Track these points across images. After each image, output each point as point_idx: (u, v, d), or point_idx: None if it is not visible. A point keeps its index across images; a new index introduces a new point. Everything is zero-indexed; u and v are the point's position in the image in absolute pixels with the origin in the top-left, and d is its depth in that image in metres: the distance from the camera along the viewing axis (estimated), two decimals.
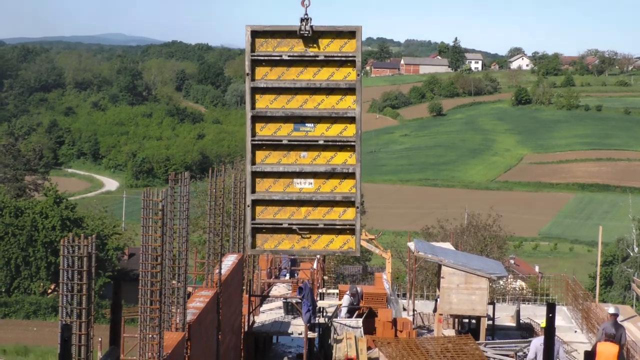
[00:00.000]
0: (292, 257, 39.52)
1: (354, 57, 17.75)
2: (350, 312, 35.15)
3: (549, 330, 7.88)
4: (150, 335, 16.22)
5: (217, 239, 24.93)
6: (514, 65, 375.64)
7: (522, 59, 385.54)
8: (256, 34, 17.65)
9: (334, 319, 32.66)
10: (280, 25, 18.22)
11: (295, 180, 18.10)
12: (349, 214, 18.25)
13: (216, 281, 24.18)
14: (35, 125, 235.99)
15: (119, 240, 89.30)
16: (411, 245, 37.26)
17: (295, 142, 17.89)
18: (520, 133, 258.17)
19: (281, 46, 17.70)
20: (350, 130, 18.04)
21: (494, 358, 30.53)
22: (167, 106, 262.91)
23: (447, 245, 41.92)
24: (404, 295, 47.37)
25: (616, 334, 27.10)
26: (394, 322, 33.39)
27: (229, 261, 27.70)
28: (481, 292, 32.80)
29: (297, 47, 17.73)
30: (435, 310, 35.94)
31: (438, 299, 34.09)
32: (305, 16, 17.50)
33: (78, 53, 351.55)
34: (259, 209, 18.05)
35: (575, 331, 37.29)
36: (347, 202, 18.11)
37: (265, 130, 17.86)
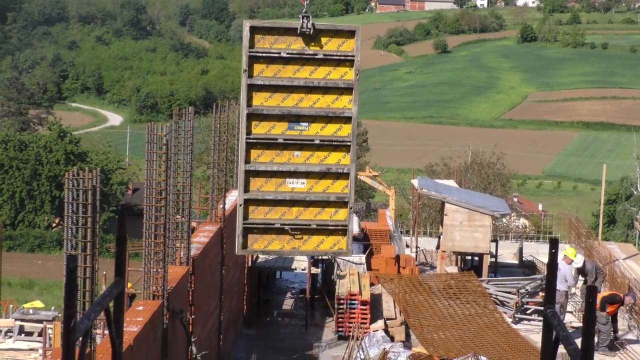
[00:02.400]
0: None
1: (354, 56, 17.57)
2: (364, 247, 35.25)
3: (551, 265, 7.90)
4: (154, 269, 16.32)
5: (221, 174, 24.97)
6: (520, 2, 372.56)
7: None
8: (255, 29, 17.47)
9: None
10: (279, 22, 18.05)
11: (287, 179, 17.95)
12: (341, 214, 18.16)
13: (220, 216, 24.27)
14: (39, 59, 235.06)
15: (123, 175, 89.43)
16: (415, 182, 37.28)
17: (291, 141, 17.75)
18: (525, 71, 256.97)
19: (278, 43, 17.50)
20: (345, 130, 17.84)
21: (497, 295, 30.70)
22: (171, 41, 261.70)
23: (451, 183, 41.94)
24: (407, 232, 47.51)
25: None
26: (397, 258, 33.53)
27: (232, 197, 27.77)
28: (484, 230, 32.87)
29: (295, 45, 17.53)
30: (438, 247, 36.06)
31: (441, 236, 34.20)
32: (306, 14, 17.30)
33: None
34: (250, 208, 17.94)
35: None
36: (339, 203, 18.02)
37: (259, 128, 17.69)
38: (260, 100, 17.63)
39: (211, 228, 23.44)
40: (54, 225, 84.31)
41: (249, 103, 17.56)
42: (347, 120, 17.78)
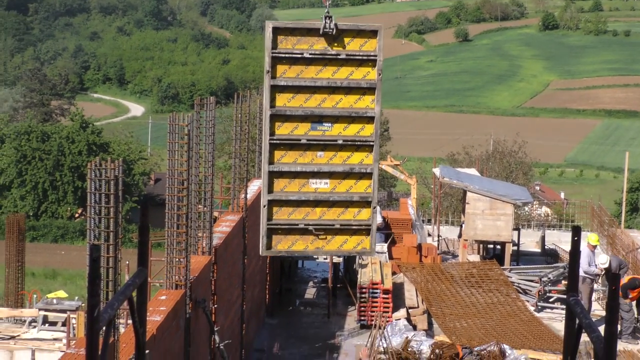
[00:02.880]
0: None
1: (376, 56, 17.54)
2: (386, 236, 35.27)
3: (574, 253, 7.88)
4: (177, 259, 16.36)
5: (242, 164, 25.01)
6: None
7: None
8: (277, 30, 17.45)
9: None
10: (301, 22, 17.98)
11: (310, 180, 17.93)
12: (364, 214, 18.16)
13: (242, 206, 24.31)
14: (60, 50, 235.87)
15: (145, 166, 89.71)
16: (436, 171, 37.26)
17: (314, 142, 17.75)
18: (547, 59, 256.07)
19: (300, 44, 17.46)
20: (367, 130, 17.81)
21: (519, 283, 30.66)
22: (192, 31, 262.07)
23: (473, 172, 41.88)
24: (429, 221, 47.48)
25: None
26: (419, 247, 33.50)
27: (254, 186, 27.81)
28: (506, 218, 32.82)
29: (317, 45, 17.49)
30: (460, 236, 36.04)
31: (463, 225, 34.16)
32: (328, 14, 17.28)
33: None
34: (274, 209, 17.97)
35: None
36: (362, 203, 18.04)
37: (282, 129, 17.67)
38: (283, 101, 17.60)
39: (233, 218, 23.48)
40: (76, 215, 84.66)
41: (272, 104, 17.55)
42: (370, 120, 17.76)
